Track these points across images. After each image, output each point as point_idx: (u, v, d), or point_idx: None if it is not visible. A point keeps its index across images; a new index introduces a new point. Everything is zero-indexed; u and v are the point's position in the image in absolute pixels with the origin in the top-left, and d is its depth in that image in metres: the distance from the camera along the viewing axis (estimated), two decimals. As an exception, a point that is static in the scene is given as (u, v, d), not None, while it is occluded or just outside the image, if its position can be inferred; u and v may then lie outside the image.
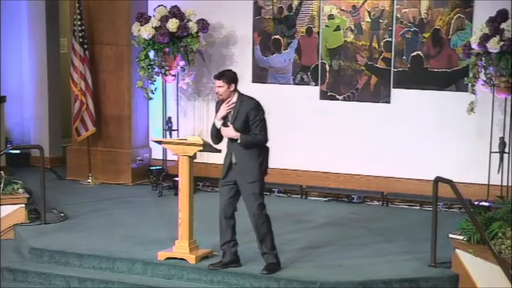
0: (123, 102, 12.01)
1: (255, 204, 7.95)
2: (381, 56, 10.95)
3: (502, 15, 9.80)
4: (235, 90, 8.03)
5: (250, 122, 7.93)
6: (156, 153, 12.10)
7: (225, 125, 8.02)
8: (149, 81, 11.40)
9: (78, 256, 8.64)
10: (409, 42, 10.82)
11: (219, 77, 8.02)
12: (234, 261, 8.19)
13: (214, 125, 8.11)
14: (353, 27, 11.06)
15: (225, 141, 8.16)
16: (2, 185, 9.74)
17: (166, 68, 11.34)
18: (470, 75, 10.10)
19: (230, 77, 8.01)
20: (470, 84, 10.13)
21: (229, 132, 7.97)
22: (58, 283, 8.43)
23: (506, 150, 10.10)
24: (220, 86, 7.97)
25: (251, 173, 7.95)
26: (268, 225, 8.05)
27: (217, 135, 8.13)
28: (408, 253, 8.69)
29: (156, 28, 11.10)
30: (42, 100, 13.14)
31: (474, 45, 9.84)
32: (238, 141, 7.93)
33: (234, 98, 8.02)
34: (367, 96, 11.06)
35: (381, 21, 10.92)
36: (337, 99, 11.21)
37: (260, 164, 7.98)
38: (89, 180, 11.96)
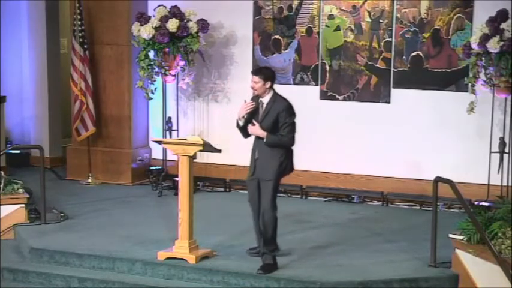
0: (123, 102, 12.00)
1: (270, 204, 7.95)
2: (381, 56, 10.95)
3: (502, 15, 9.79)
4: (271, 88, 8.00)
5: (280, 123, 7.92)
6: (156, 153, 12.09)
7: (249, 121, 8.01)
8: (149, 81, 11.39)
9: (78, 256, 8.63)
10: (409, 42, 10.82)
11: (256, 72, 8.01)
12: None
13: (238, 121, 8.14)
14: (353, 27, 11.06)
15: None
16: (2, 185, 9.72)
17: (166, 68, 11.33)
18: (470, 75, 10.09)
19: (267, 74, 7.98)
20: (470, 84, 10.12)
21: (256, 130, 7.95)
22: (58, 283, 8.42)
23: (506, 150, 10.09)
24: (256, 82, 7.93)
25: (270, 171, 7.96)
26: (275, 227, 8.05)
27: (243, 130, 8.13)
28: (408, 253, 8.68)
29: (156, 28, 11.10)
30: (42, 100, 13.13)
31: (474, 45, 9.84)
32: (264, 140, 7.93)
33: (268, 96, 7.98)
34: (367, 96, 11.06)
35: (380, 21, 10.91)
36: (337, 99, 11.21)
37: (280, 164, 7.99)
38: (89, 180, 11.96)
